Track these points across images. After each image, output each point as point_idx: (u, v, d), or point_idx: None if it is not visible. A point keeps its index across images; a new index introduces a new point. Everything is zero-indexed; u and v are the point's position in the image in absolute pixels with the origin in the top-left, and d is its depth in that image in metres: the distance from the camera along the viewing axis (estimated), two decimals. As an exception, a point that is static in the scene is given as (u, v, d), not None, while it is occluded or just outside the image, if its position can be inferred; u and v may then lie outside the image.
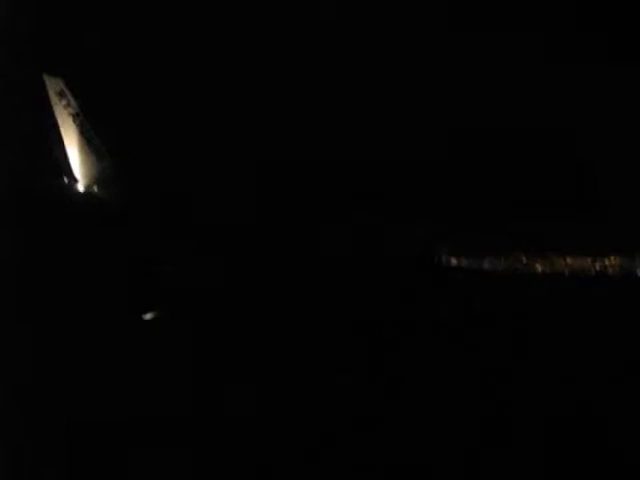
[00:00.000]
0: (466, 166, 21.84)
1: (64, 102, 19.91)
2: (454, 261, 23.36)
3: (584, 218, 21.42)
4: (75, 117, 20.10)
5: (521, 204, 21.93)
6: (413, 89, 21.54)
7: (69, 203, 20.25)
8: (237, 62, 21.15)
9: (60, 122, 20.05)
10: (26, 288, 15.81)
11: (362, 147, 21.04)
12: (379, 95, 21.67)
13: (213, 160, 20.03)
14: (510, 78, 21.89)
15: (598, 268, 23.89)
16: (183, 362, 13.29)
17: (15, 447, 8.42)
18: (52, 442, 8.98)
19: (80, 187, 20.46)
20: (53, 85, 19.80)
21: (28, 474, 7.97)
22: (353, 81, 21.70)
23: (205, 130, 20.50)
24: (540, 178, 22.06)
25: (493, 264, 24.01)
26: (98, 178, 20.48)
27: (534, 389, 11.84)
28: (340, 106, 21.32)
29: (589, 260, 23.97)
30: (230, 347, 14.06)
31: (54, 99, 19.84)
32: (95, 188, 20.49)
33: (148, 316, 17.29)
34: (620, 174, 21.56)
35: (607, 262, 23.58)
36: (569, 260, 24.13)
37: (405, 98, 21.54)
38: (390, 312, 16.76)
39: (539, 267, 23.95)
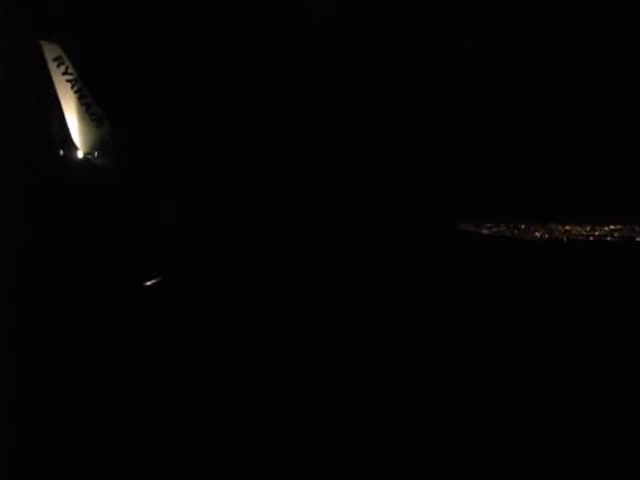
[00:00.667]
0: (469, 142, 22.13)
1: (62, 69, 19.74)
2: (458, 227, 23.62)
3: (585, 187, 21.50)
4: (73, 84, 19.91)
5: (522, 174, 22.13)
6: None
7: (68, 170, 20.24)
8: (235, 30, 21.07)
9: (58, 89, 19.89)
10: (21, 257, 15.68)
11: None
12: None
13: (212, 127, 20.06)
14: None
15: (597, 235, 24.02)
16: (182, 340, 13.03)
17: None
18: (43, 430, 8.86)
19: (79, 154, 20.40)
20: (50, 51, 19.63)
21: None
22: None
23: (204, 96, 20.46)
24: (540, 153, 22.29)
25: (492, 230, 24.18)
26: (97, 145, 20.41)
27: (531, 354, 11.81)
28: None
29: (588, 227, 24.11)
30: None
31: (52, 66, 19.67)
32: (94, 155, 20.45)
33: (148, 284, 17.28)
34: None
35: (606, 229, 23.72)
36: (568, 227, 24.27)
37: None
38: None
39: (537, 234, 24.14)
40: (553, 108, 22.97)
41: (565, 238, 24.05)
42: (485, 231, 24.49)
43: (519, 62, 22.20)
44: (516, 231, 24.32)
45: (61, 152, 20.08)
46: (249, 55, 20.81)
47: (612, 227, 23.45)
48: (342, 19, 20.95)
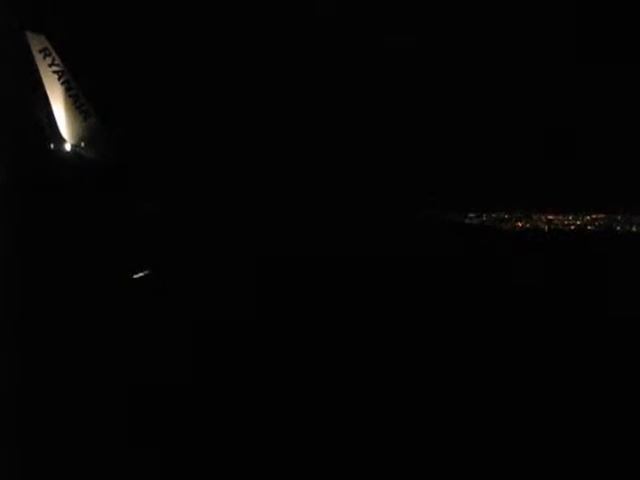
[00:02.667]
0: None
1: (48, 60, 19.50)
2: (443, 217, 24.05)
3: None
4: (60, 75, 19.72)
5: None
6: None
7: (55, 162, 20.16)
8: (228, 20, 21.08)
9: (45, 80, 19.64)
10: (13, 249, 15.64)
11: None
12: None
13: (201, 117, 20.12)
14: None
15: (578, 224, 24.52)
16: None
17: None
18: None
19: (67, 146, 20.31)
20: (36, 42, 19.37)
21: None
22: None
23: (194, 85, 20.49)
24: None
25: (475, 220, 24.63)
26: (85, 137, 20.33)
27: (516, 343, 12.03)
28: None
29: (570, 217, 24.60)
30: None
31: (38, 57, 19.41)
32: (82, 146, 20.38)
33: (139, 275, 17.34)
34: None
35: (588, 219, 24.21)
36: (550, 217, 24.75)
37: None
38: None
39: (519, 223, 24.63)
40: (541, 100, 23.30)
41: (546, 227, 24.55)
42: (468, 221, 24.94)
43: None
44: (498, 221, 24.79)
45: (51, 145, 19.96)
46: (234, 44, 20.86)
47: (594, 216, 23.94)
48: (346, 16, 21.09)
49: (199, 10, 20.41)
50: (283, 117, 21.50)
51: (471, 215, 24.06)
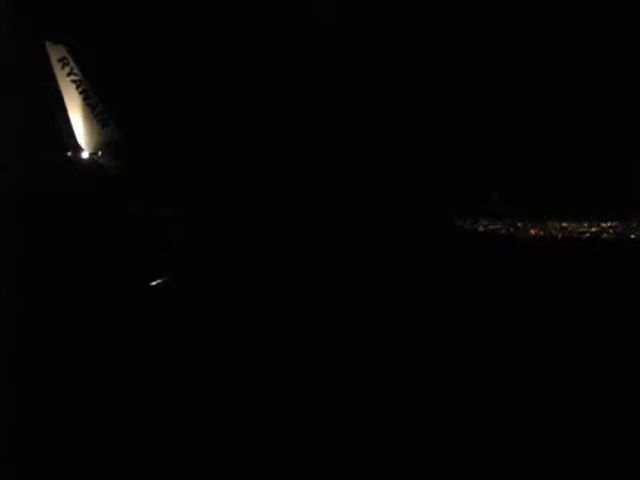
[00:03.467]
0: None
1: (67, 69, 19.68)
2: (457, 223, 23.99)
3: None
4: (78, 84, 19.89)
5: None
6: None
7: (73, 171, 20.30)
8: (237, 25, 21.14)
9: (63, 90, 19.84)
10: (27, 258, 15.69)
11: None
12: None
13: (216, 126, 20.18)
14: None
15: (593, 232, 24.42)
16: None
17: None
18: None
19: (84, 155, 20.48)
20: (55, 52, 19.57)
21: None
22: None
23: (211, 98, 20.56)
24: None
25: (488, 227, 24.58)
26: (102, 145, 20.48)
27: (526, 350, 12.06)
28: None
29: (585, 224, 24.51)
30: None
31: (56, 66, 19.62)
32: (99, 155, 20.53)
33: (154, 283, 17.35)
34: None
35: (603, 226, 24.11)
36: (565, 224, 24.66)
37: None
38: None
39: (533, 231, 24.57)
40: (550, 106, 23.25)
41: (560, 235, 24.45)
42: (481, 228, 24.85)
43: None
44: (512, 229, 24.70)
45: (68, 153, 20.11)
46: (257, 61, 20.97)
47: (609, 224, 23.82)
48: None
49: (208, 14, 20.44)
50: (290, 119, 21.44)
51: (485, 222, 24.01)
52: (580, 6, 21.68)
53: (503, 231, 25.09)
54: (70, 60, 19.75)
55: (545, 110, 23.35)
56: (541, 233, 24.85)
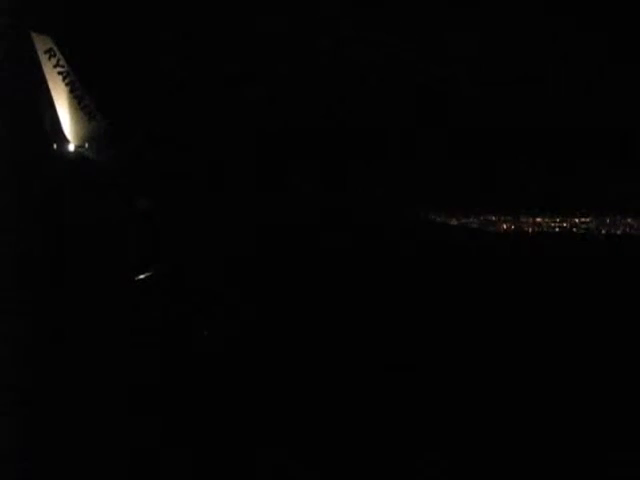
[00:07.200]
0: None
1: (53, 61, 19.42)
2: (431, 218, 24.48)
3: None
4: (65, 76, 19.67)
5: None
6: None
7: (59, 163, 20.22)
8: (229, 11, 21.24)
9: (49, 81, 19.59)
10: (17, 248, 15.59)
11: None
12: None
13: (206, 117, 20.29)
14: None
15: (565, 227, 25.21)
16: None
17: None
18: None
19: (70, 147, 20.39)
20: (41, 43, 19.31)
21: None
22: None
23: (198, 88, 20.65)
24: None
25: (461, 221, 25.19)
26: (89, 138, 20.40)
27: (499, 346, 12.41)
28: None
29: (557, 219, 25.28)
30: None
31: (42, 58, 19.36)
32: (85, 147, 20.48)
33: (143, 275, 17.37)
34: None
35: (576, 221, 24.86)
36: (537, 219, 25.40)
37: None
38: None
39: (505, 225, 25.26)
40: (525, 102, 23.84)
41: (531, 230, 25.12)
42: (454, 222, 25.36)
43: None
44: (485, 223, 25.28)
45: (54, 145, 20.00)
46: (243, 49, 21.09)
47: (581, 219, 24.52)
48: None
49: (204, 11, 20.54)
50: (280, 116, 21.73)
51: (466, 218, 24.58)
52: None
53: (475, 225, 25.64)
54: (57, 51, 19.50)
55: (520, 105, 23.86)
56: (513, 228, 25.49)
